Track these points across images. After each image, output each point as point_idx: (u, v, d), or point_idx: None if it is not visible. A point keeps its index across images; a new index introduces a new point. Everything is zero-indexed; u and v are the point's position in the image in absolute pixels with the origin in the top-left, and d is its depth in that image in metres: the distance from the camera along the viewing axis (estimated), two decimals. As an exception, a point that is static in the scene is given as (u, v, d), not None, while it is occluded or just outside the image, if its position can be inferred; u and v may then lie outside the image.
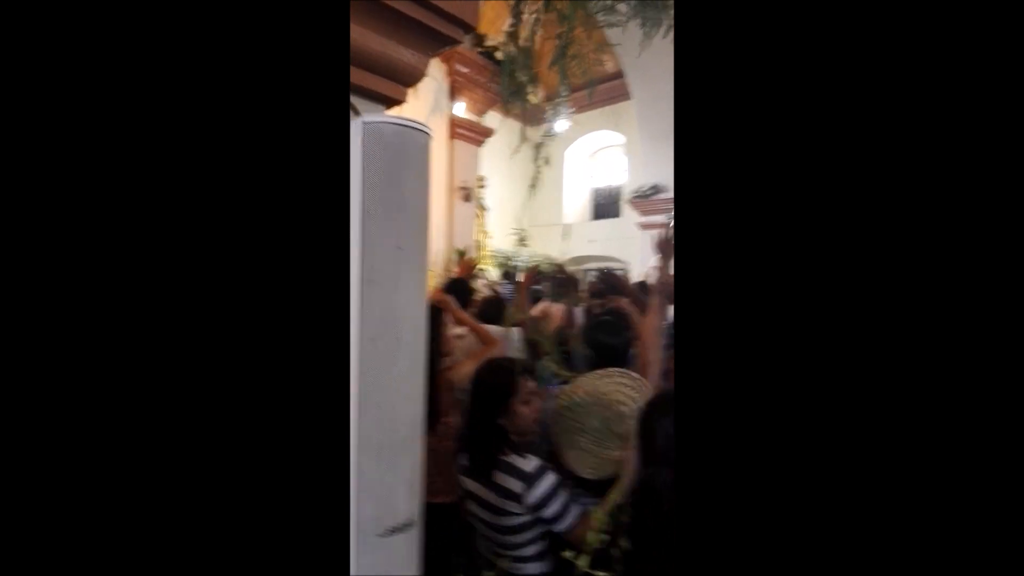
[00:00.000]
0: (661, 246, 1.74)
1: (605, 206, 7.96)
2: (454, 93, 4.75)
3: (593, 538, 0.99)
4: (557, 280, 3.07)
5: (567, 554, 0.94)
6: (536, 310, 2.98)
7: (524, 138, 1.22)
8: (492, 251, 6.12)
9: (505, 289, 3.73)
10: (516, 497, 1.18)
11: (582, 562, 0.93)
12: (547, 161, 1.15)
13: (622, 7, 1.04)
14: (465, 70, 4.68)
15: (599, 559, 0.98)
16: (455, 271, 2.11)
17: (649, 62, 4.90)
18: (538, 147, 1.13)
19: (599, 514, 1.05)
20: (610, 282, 2.87)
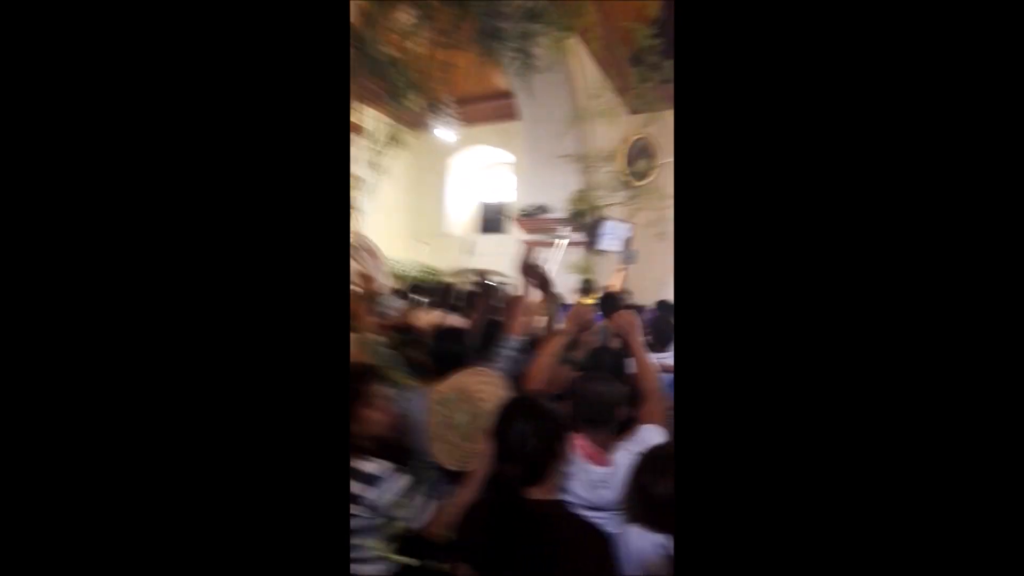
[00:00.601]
0: (523, 270, 1.85)
1: (493, 221, 8.09)
2: (325, 86, 4.44)
3: (439, 530, 1.00)
4: (450, 291, 3.05)
5: (370, 544, 0.92)
6: (416, 318, 2.91)
7: (390, 139, 1.19)
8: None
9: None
10: (357, 500, 1.19)
11: (388, 549, 0.92)
12: (380, 164, 1.13)
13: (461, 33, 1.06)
14: (336, 63, 4.37)
15: (415, 546, 0.97)
16: None
17: (538, 85, 5.09)
18: (378, 146, 1.10)
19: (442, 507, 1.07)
20: (489, 293, 2.93)
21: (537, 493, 1.10)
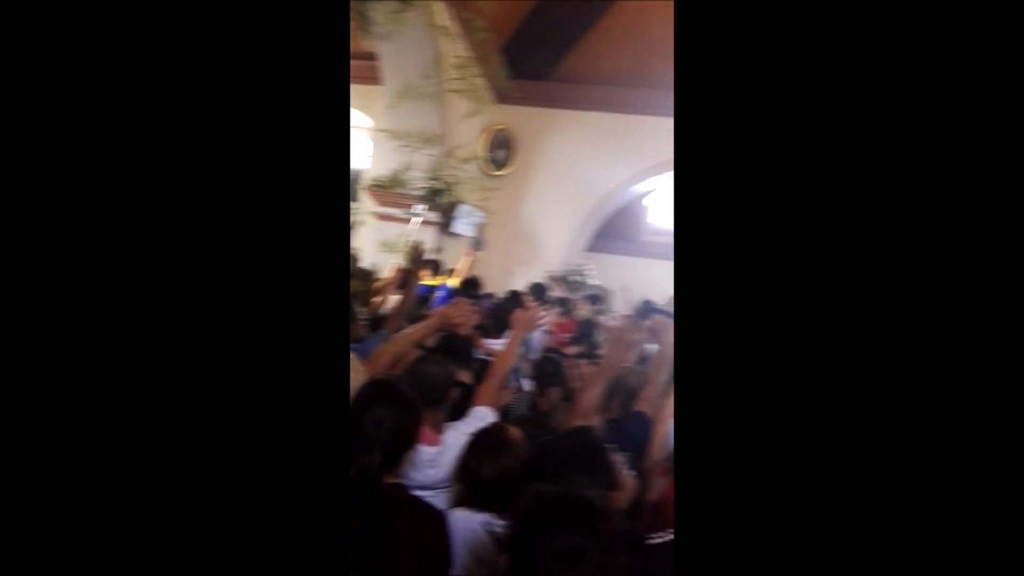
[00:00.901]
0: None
1: (342, 187, 7.58)
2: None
3: None
4: None
5: None
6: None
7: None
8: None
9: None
10: None
11: None
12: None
13: None
14: None
15: None
16: None
17: (405, 53, 4.87)
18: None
19: None
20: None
21: (386, 478, 1.07)
